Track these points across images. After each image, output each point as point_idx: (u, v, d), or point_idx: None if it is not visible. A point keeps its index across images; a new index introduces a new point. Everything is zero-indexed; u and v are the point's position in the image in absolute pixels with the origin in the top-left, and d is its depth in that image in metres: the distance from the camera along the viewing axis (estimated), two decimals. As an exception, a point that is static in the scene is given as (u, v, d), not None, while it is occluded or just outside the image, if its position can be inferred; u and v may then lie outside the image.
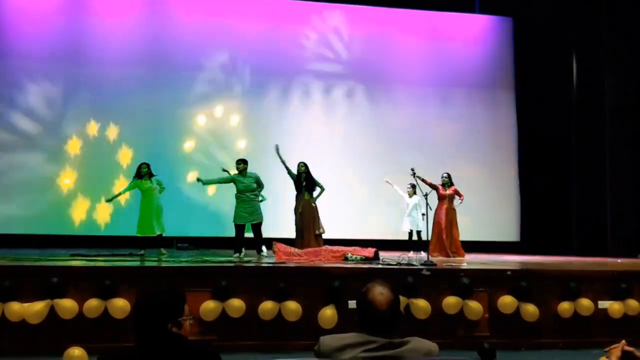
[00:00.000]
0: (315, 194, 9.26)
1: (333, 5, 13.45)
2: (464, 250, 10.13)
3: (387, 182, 10.78)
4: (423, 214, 10.09)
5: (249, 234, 8.97)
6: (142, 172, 8.87)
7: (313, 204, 9.16)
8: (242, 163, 8.75)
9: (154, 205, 8.86)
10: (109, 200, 9.49)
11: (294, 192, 9.34)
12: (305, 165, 9.24)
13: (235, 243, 8.73)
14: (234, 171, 8.99)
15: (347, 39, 13.35)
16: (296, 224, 9.20)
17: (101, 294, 5.52)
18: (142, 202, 8.93)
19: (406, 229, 10.80)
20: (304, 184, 9.16)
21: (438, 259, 8.70)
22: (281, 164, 9.18)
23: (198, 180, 8.90)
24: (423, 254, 9.14)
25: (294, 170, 9.24)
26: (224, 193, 10.26)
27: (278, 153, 9.16)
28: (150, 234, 8.83)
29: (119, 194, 9.26)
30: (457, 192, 10.19)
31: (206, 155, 12.38)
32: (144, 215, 8.83)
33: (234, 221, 8.71)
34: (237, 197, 8.74)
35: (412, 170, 8.54)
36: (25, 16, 12.01)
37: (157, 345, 2.20)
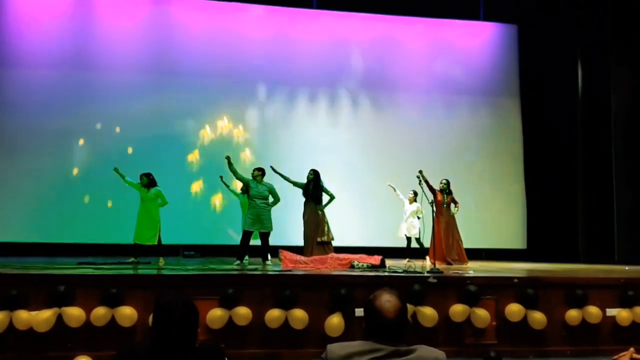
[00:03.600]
0: (324, 202, 9.29)
1: (338, 13, 13.51)
2: (467, 258, 10.12)
3: (390, 185, 10.77)
4: (419, 217, 10.14)
5: (255, 242, 9.00)
6: (142, 183, 8.88)
7: (319, 212, 9.17)
8: (257, 171, 8.82)
9: (150, 216, 8.84)
10: (115, 170, 9.13)
11: (301, 201, 9.37)
12: (314, 172, 9.29)
13: (239, 250, 8.71)
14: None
15: (352, 46, 13.39)
16: (303, 231, 9.23)
17: (108, 302, 5.53)
18: (139, 210, 8.93)
19: (402, 234, 10.75)
20: (311, 191, 9.18)
21: (444, 267, 8.69)
22: (284, 179, 9.31)
23: (227, 157, 8.78)
24: (427, 262, 9.11)
25: (299, 180, 9.31)
26: (231, 200, 10.28)
27: (276, 172, 9.26)
28: (144, 243, 8.81)
29: (124, 177, 9.04)
30: (453, 200, 10.24)
31: (212, 163, 12.40)
32: (139, 224, 8.84)
33: (242, 227, 8.73)
34: (248, 203, 8.79)
35: (419, 177, 8.54)
36: (32, 24, 12.13)
37: (180, 350, 2.22)
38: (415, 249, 10.59)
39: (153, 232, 8.77)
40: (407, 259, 9.90)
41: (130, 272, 6.86)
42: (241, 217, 9.60)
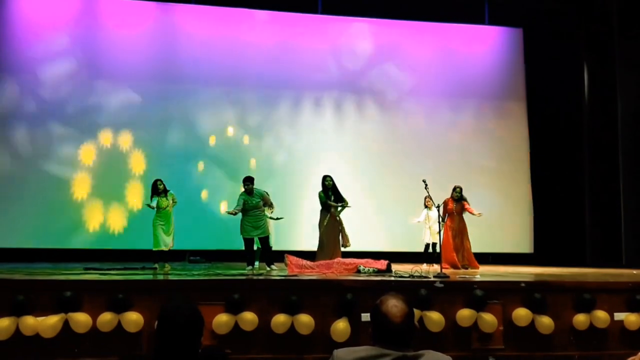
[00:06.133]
0: (339, 208, 9.28)
1: (344, 18, 13.52)
2: (477, 262, 10.11)
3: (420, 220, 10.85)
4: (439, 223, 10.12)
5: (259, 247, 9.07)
6: (160, 189, 8.94)
7: (338, 218, 9.19)
8: (249, 183, 8.76)
9: (170, 220, 8.92)
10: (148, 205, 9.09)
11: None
12: (331, 178, 9.29)
13: (247, 256, 8.81)
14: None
15: (358, 50, 13.39)
16: (320, 238, 9.20)
17: (114, 308, 5.53)
18: (159, 217, 8.94)
19: (428, 240, 10.79)
20: (332, 197, 9.18)
21: (451, 271, 8.68)
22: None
23: (228, 213, 8.91)
24: (436, 266, 9.08)
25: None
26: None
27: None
28: (168, 248, 8.87)
29: (150, 205, 9.05)
30: (465, 208, 10.22)
31: (218, 167, 12.45)
32: (162, 230, 8.86)
33: (241, 234, 8.82)
34: (243, 212, 8.79)
35: (424, 182, 8.54)
36: (39, 29, 12.19)
37: (182, 357, 2.20)
38: (430, 254, 10.62)
39: (172, 235, 8.95)
40: (424, 264, 9.91)
41: (137, 277, 6.85)
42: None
